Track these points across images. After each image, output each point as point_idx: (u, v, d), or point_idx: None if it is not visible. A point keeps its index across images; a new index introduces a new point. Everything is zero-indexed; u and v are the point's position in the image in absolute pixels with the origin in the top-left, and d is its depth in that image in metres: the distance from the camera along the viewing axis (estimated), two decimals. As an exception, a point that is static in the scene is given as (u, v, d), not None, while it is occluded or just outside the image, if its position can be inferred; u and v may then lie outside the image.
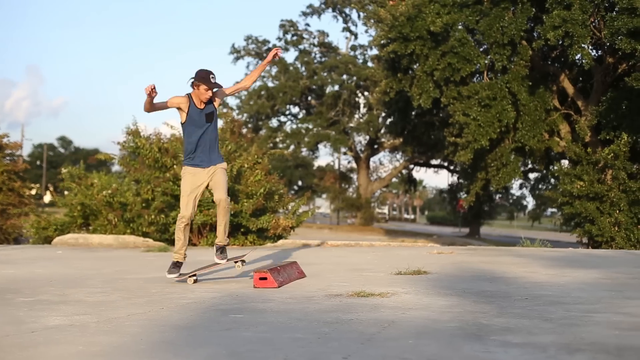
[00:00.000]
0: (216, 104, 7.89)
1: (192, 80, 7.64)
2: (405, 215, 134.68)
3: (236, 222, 15.23)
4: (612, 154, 20.90)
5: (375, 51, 41.98)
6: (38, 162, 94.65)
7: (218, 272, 8.97)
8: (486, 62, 27.12)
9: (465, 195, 35.54)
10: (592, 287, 7.06)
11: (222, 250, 8.04)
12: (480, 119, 25.85)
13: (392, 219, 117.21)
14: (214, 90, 7.71)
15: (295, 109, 69.27)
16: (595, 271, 8.79)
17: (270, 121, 66.21)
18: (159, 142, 16.29)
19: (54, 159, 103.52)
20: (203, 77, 7.58)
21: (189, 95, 7.75)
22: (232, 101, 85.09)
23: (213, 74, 7.67)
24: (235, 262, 8.05)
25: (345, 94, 63.15)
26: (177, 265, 7.90)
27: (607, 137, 23.87)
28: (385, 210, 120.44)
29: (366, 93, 63.33)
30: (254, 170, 16.24)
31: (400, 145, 54.57)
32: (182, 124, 7.83)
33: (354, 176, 76.79)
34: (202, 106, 7.72)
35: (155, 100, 7.53)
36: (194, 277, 7.88)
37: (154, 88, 7.33)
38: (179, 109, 7.74)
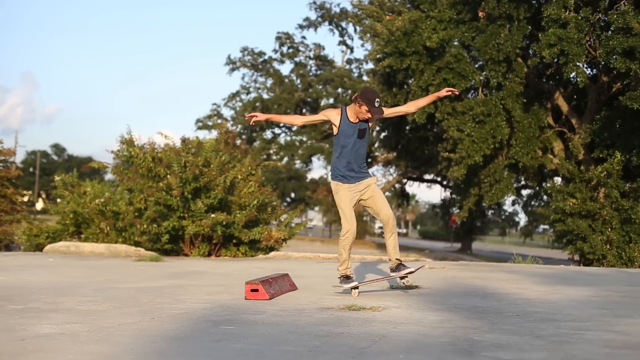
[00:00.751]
0: (371, 122, 7.76)
1: (357, 97, 7.56)
2: (397, 230, 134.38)
3: (228, 233, 15.22)
4: (605, 172, 20.96)
5: (370, 65, 42.08)
6: (31, 169, 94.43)
7: (209, 285, 8.96)
8: (481, 78, 27.23)
9: (458, 210, 35.57)
10: (583, 305, 7.07)
11: (397, 267, 7.85)
12: (474, 134, 25.91)
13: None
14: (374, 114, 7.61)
15: (289, 121, 69.23)
16: (587, 289, 8.80)
17: (264, 133, 66.16)
18: (152, 151, 16.26)
19: (47, 166, 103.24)
20: (369, 100, 7.46)
21: (342, 109, 7.75)
22: (227, 112, 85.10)
23: (379, 97, 7.57)
24: (402, 278, 7.91)
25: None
26: (349, 278, 7.75)
27: (601, 156, 23.93)
28: None
29: (361, 107, 63.34)
30: (248, 181, 16.23)
31: (393, 159, 54.49)
32: (333, 136, 7.81)
33: (347, 189, 76.71)
34: (356, 121, 7.66)
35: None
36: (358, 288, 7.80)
37: (252, 117, 7.84)
38: (332, 124, 7.76)
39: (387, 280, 8.49)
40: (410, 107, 8.43)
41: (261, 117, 7.83)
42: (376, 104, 7.48)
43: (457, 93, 8.24)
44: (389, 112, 8.03)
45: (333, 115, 7.74)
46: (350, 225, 7.69)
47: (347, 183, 7.73)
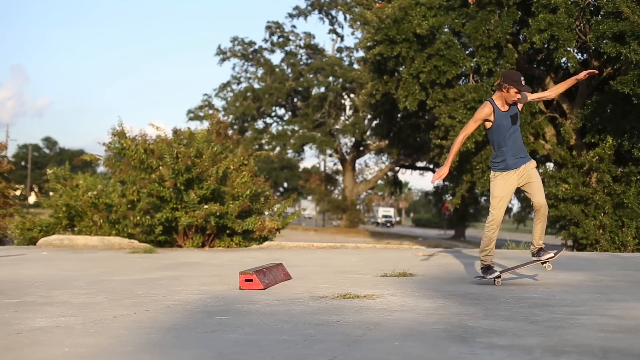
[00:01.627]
0: (520, 106, 7.72)
1: (501, 82, 7.51)
2: (391, 219, 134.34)
3: (222, 224, 15.21)
4: (597, 157, 21.04)
5: (361, 53, 42.03)
6: (23, 163, 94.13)
7: (203, 276, 8.96)
8: (472, 65, 27.19)
9: (451, 197, 35.60)
10: (577, 290, 7.10)
11: (538, 252, 7.78)
12: (466, 121, 25.86)
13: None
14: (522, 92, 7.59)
15: (281, 111, 69.35)
16: (580, 274, 8.83)
17: (256, 123, 66.16)
18: (144, 143, 16.21)
19: (38, 159, 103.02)
20: (515, 80, 7.44)
21: (490, 102, 7.64)
22: (218, 103, 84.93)
23: (522, 75, 7.54)
24: (543, 263, 7.81)
25: (331, 95, 63.20)
26: (490, 268, 7.72)
27: (592, 141, 23.97)
28: (391, 212, 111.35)
29: (352, 95, 63.39)
30: (240, 172, 16.21)
31: (385, 147, 54.53)
32: (487, 129, 7.73)
33: (340, 178, 76.84)
34: (506, 108, 7.60)
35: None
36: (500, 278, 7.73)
37: (440, 177, 7.85)
38: (486, 121, 7.65)
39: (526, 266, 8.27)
40: (551, 93, 8.40)
41: (446, 170, 7.76)
42: (522, 82, 7.47)
43: (597, 72, 8.16)
44: (532, 97, 7.98)
45: (486, 114, 7.60)
46: (496, 214, 7.67)
47: (508, 170, 7.63)
